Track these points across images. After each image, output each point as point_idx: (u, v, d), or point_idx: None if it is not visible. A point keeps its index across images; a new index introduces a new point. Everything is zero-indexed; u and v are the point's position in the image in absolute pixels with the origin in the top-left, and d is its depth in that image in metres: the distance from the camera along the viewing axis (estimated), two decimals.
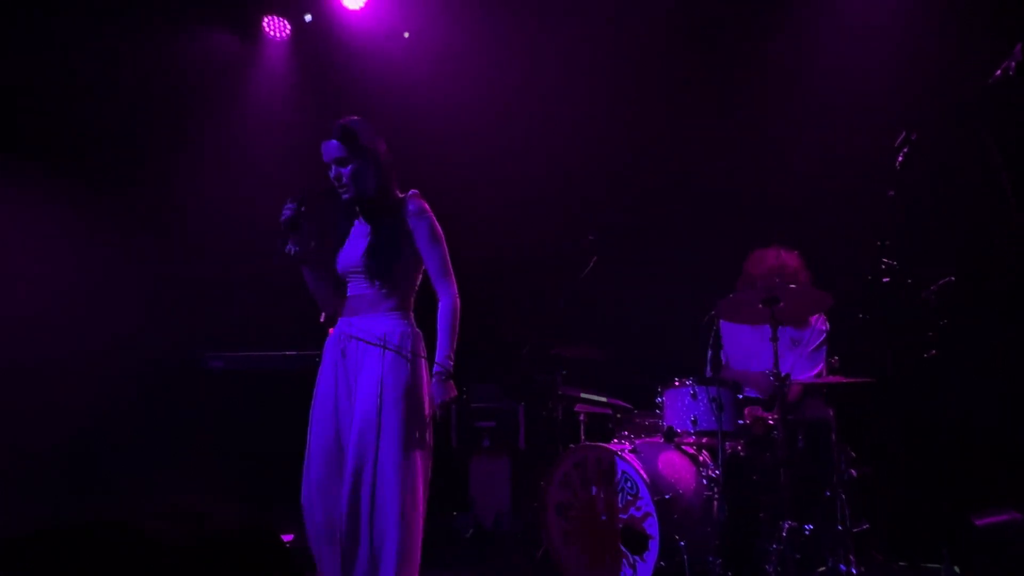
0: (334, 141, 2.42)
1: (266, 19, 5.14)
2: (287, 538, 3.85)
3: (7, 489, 4.00)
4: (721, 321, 3.57)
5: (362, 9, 4.97)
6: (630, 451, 3.16)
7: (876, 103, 3.91)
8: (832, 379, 3.12)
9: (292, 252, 2.44)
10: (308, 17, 5.15)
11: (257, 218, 4.92)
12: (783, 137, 4.23)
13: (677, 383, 3.30)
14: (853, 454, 3.09)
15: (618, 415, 3.70)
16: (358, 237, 2.52)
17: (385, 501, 2.29)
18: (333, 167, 2.44)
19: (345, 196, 2.46)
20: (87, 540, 1.09)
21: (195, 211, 4.86)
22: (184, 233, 4.85)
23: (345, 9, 4.99)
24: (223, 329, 4.53)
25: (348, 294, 2.52)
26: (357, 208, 2.52)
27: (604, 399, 3.65)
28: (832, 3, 4.25)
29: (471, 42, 4.77)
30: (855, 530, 2.97)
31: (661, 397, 3.35)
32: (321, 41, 5.15)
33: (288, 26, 5.19)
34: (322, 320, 2.58)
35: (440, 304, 2.45)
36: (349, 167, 2.42)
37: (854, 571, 2.86)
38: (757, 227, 3.60)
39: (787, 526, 2.85)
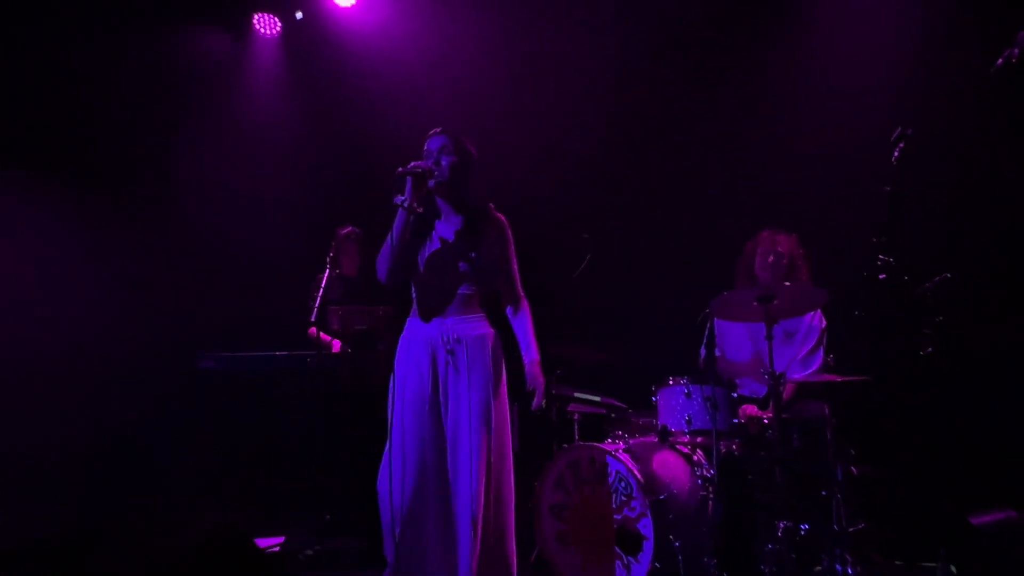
0: (444, 136, 2.61)
1: (257, 16, 5.12)
2: (278, 540, 3.82)
3: None
4: (716, 319, 3.55)
5: (353, 6, 4.95)
6: (624, 451, 3.14)
7: (873, 98, 3.89)
8: (827, 377, 3.09)
9: (399, 202, 2.49)
10: (299, 14, 5.13)
11: (249, 215, 4.92)
12: (778, 134, 4.21)
13: (671, 382, 3.27)
14: (853, 452, 3.06)
15: (612, 415, 3.67)
16: (452, 236, 2.61)
17: (502, 483, 2.55)
18: (434, 154, 2.59)
19: (432, 182, 2.56)
20: (62, 554, 1.05)
21: (186, 208, 4.82)
22: (175, 231, 4.81)
23: (336, 6, 4.96)
24: (214, 329, 4.50)
25: (435, 292, 2.58)
26: (439, 207, 2.64)
27: (598, 399, 3.62)
28: None
29: (462, 37, 4.74)
30: (851, 529, 2.95)
31: (655, 396, 3.33)
32: (312, 38, 5.12)
33: (279, 23, 5.17)
34: (385, 282, 2.58)
35: (522, 308, 2.71)
36: (451, 158, 2.58)
37: (850, 571, 2.83)
38: (752, 223, 3.58)
39: (783, 526, 2.83)
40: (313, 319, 3.90)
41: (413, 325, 2.64)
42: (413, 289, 2.67)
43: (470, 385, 2.53)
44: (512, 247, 2.68)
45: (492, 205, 2.68)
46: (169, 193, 4.82)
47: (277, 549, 3.73)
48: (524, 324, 2.69)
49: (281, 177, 5.07)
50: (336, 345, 4.08)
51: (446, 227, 2.64)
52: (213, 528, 1.21)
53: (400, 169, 2.49)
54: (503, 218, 2.67)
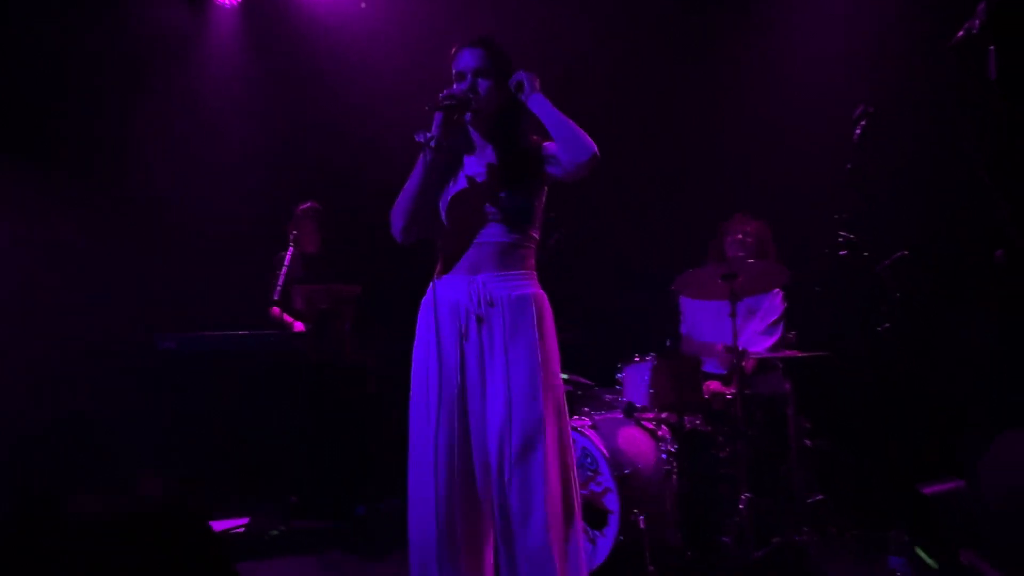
0: (479, 49, 2.09)
1: None
2: (242, 521, 3.77)
3: None
4: (683, 297, 3.59)
5: None
6: (590, 427, 3.16)
7: (838, 75, 3.94)
8: (788, 353, 3.16)
9: (423, 140, 2.00)
10: None
11: (208, 190, 4.79)
12: (743, 113, 4.24)
13: (637, 359, 3.30)
14: (808, 425, 3.14)
15: (579, 392, 3.69)
16: (484, 173, 2.07)
17: (550, 479, 1.95)
18: (468, 76, 2.07)
19: (469, 109, 2.07)
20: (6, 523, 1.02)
21: (142, 182, 4.68)
22: (131, 206, 4.67)
23: None
24: (173, 308, 4.40)
25: (460, 242, 2.05)
26: (472, 136, 2.13)
27: (565, 376, 3.63)
28: None
29: (427, 6, 4.65)
30: (809, 501, 3.03)
31: (621, 373, 3.36)
32: (273, 7, 4.98)
33: None
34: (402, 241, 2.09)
35: None
36: (489, 81, 2.07)
37: (808, 540, 2.92)
38: (717, 202, 3.61)
39: (744, 498, 2.89)
40: (276, 298, 3.82)
41: (439, 287, 2.06)
42: (437, 243, 2.14)
43: (508, 364, 1.97)
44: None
45: (537, 138, 2.14)
46: (125, 166, 4.67)
47: (242, 530, 3.70)
48: None
49: (242, 151, 4.94)
50: (298, 325, 4.01)
51: (476, 162, 2.12)
52: (154, 499, 1.18)
53: (429, 106, 2.00)
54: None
